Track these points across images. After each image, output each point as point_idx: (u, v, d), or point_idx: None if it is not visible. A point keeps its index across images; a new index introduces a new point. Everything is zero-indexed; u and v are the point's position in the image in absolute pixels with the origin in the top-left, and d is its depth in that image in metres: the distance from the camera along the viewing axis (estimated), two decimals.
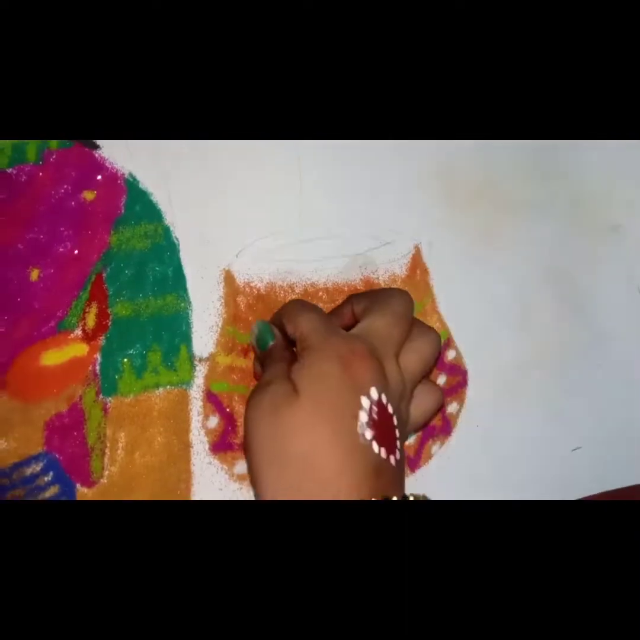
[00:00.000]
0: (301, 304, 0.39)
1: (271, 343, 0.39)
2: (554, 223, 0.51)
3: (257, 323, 0.40)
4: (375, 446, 0.33)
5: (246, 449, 0.35)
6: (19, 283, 0.41)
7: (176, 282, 0.44)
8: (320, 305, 0.45)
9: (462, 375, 0.48)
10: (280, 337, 0.39)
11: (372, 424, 0.33)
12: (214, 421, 0.43)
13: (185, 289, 0.44)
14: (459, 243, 0.49)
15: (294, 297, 0.45)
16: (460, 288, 0.49)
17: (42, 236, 0.42)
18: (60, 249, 0.42)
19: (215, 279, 0.44)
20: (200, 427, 0.43)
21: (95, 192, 0.43)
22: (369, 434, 0.33)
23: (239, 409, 0.43)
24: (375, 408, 0.33)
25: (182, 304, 0.44)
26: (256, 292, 0.45)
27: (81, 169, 0.43)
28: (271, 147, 0.46)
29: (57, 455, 0.40)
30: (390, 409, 0.34)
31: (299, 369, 0.34)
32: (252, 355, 0.44)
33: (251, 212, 0.46)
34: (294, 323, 0.37)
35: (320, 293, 0.46)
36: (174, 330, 0.43)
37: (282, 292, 0.45)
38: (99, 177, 0.44)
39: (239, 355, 0.44)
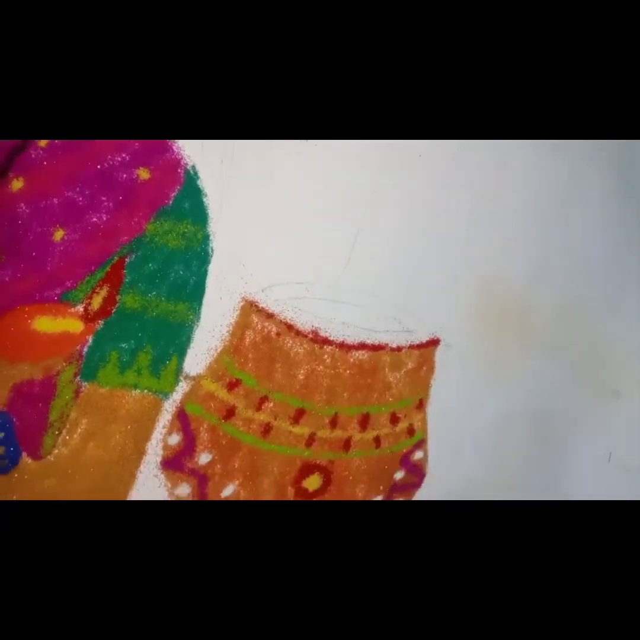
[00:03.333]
0: None
1: None
2: (563, 370, 0.51)
3: None
4: None
5: None
6: (40, 238, 0.39)
7: (194, 292, 0.42)
8: (321, 368, 0.45)
9: (420, 477, 0.49)
10: None
11: None
12: (175, 439, 0.43)
13: (200, 303, 0.42)
14: (473, 360, 0.49)
15: (299, 349, 0.44)
16: (454, 400, 0.49)
17: (80, 198, 0.39)
18: (94, 219, 0.40)
19: (233, 305, 0.43)
20: (161, 439, 0.42)
21: (151, 172, 0.41)
22: None
23: (204, 435, 0.43)
24: None
25: (191, 317, 0.42)
26: (266, 332, 0.44)
27: (147, 143, 0.40)
28: (337, 201, 0.44)
29: (14, 419, 0.40)
30: None
31: None
32: (236, 391, 0.43)
33: (297, 253, 0.44)
34: None
35: (326, 356, 0.45)
36: (172, 339, 0.42)
37: (289, 341, 0.44)
38: (161, 158, 0.41)
39: (224, 387, 0.43)
